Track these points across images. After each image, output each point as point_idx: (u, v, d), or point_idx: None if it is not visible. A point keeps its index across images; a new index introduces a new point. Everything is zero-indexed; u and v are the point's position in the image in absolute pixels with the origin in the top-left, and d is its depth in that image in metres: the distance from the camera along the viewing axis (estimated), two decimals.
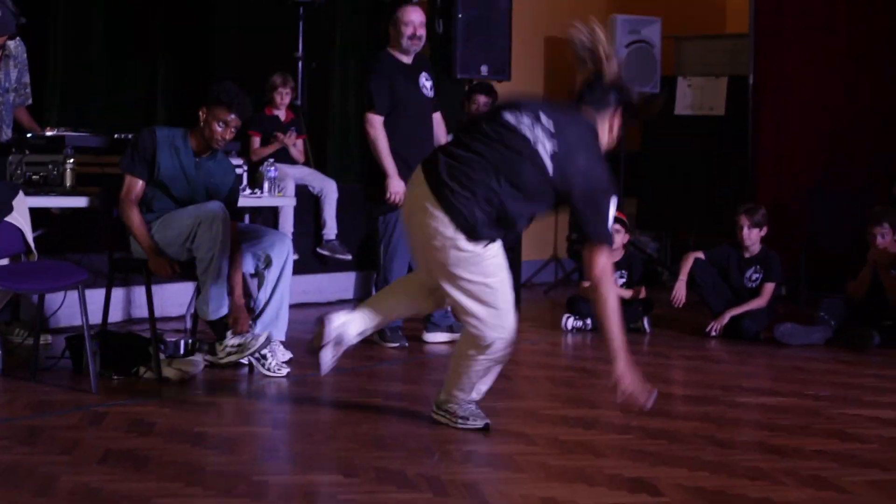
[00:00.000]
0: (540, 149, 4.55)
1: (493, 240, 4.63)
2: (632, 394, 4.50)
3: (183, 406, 5.52)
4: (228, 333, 6.15)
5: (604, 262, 4.55)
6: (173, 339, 6.33)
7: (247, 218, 7.52)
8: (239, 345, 6.12)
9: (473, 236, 4.55)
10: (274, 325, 6.42)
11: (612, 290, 4.59)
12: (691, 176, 11.38)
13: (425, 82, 7.43)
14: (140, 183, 6.18)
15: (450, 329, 7.45)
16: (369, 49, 10.73)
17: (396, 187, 7.18)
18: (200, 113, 6.21)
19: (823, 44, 10.96)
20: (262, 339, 6.08)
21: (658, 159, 11.53)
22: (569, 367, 7.17)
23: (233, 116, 6.17)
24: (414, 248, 4.91)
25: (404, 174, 7.18)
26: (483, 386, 4.99)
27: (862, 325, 7.74)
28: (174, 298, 7.95)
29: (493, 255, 4.65)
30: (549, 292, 10.51)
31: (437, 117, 7.63)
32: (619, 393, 4.52)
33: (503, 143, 4.58)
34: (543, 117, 4.62)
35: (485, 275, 4.63)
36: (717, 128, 11.34)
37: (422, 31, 7.39)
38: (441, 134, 7.67)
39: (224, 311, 6.14)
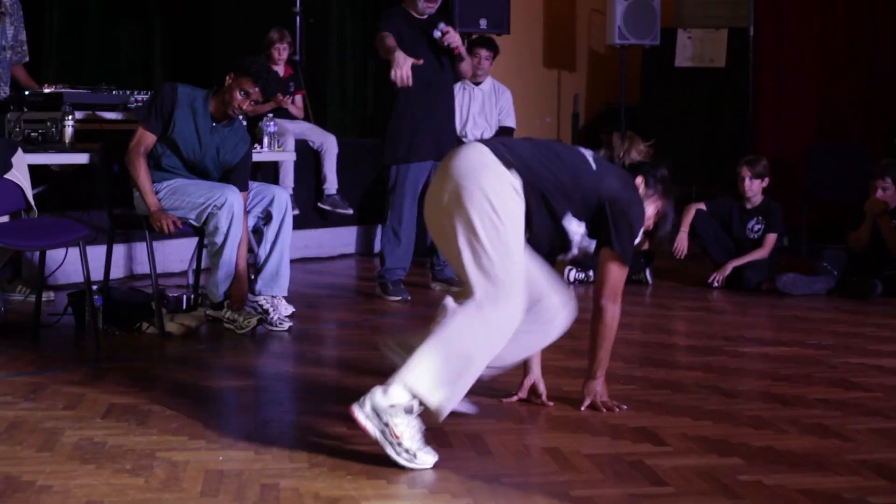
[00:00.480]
0: (587, 154, 4.35)
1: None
2: (599, 404, 4.51)
3: (186, 361, 5.52)
4: (226, 303, 6.15)
5: (617, 278, 4.36)
6: (175, 295, 6.33)
7: None
8: (233, 321, 6.12)
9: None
10: (275, 280, 6.41)
11: (617, 309, 4.43)
12: (692, 128, 11.35)
13: (443, 28, 7.37)
14: (152, 137, 6.16)
15: (447, 281, 7.55)
16: (366, 4, 10.70)
17: (402, 60, 6.97)
18: (227, 77, 6.19)
19: (815, 3, 10.94)
20: (253, 322, 6.09)
21: (658, 111, 11.47)
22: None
23: (256, 90, 6.17)
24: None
25: (410, 124, 7.32)
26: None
27: (864, 275, 7.74)
28: (176, 254, 7.95)
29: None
30: None
31: (465, 63, 7.58)
32: (585, 403, 4.53)
33: (549, 146, 4.34)
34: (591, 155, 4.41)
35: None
36: (718, 80, 11.29)
37: None
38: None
39: (226, 287, 6.18)
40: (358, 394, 3.79)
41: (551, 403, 4.55)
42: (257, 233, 6.52)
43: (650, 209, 4.47)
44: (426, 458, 3.74)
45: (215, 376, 5.25)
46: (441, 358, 3.82)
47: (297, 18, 10.02)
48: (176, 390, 4.85)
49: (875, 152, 9.89)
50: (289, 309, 6.49)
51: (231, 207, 6.03)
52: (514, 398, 4.65)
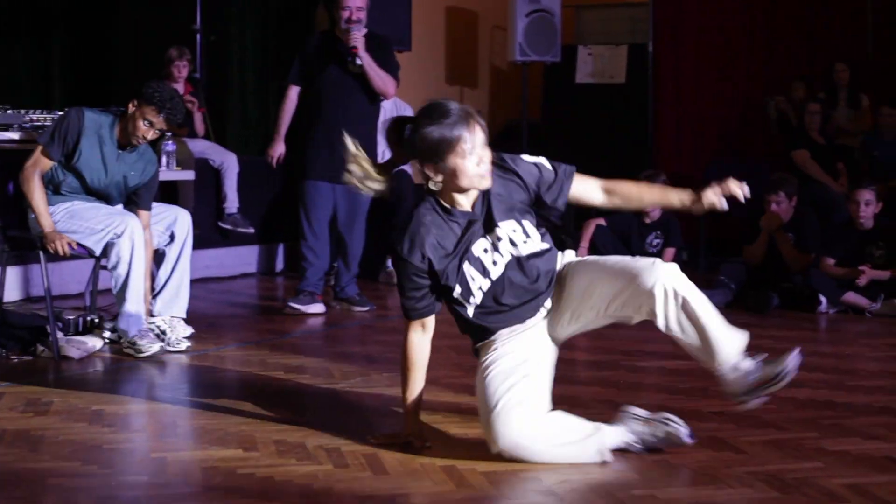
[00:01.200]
0: None
1: None
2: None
3: (81, 384, 5.45)
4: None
5: None
6: (72, 317, 6.24)
7: None
8: (132, 344, 6.04)
9: None
10: (174, 301, 6.37)
11: None
12: (593, 144, 11.43)
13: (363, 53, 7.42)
14: (49, 162, 6.05)
15: (348, 300, 7.56)
16: (267, 21, 10.66)
17: (273, 149, 7.74)
18: (130, 105, 6.07)
19: (720, 13, 11.09)
20: (154, 349, 6.03)
21: (559, 128, 11.56)
22: None
23: (161, 118, 6.05)
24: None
25: (324, 144, 7.39)
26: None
27: (761, 287, 7.85)
28: (73, 275, 7.84)
29: None
30: None
31: (382, 73, 7.60)
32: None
33: None
34: None
35: None
36: (618, 96, 11.41)
37: (359, 15, 7.43)
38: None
39: (143, 324, 6.08)
40: (255, 415, 3.76)
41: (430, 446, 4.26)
42: (158, 253, 6.44)
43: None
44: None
45: (112, 400, 5.17)
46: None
47: (198, 36, 9.95)
48: (70, 415, 4.78)
49: (773, 166, 10.06)
50: (188, 330, 6.43)
51: (132, 235, 5.95)
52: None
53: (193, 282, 6.62)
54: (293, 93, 7.58)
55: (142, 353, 6.01)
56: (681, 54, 11.21)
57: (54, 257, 6.20)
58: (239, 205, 9.20)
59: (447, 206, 4.08)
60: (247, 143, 10.51)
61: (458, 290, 4.12)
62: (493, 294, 4.13)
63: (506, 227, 4.12)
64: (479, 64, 12.39)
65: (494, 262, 4.10)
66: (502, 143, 11.29)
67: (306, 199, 7.53)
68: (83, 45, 10.62)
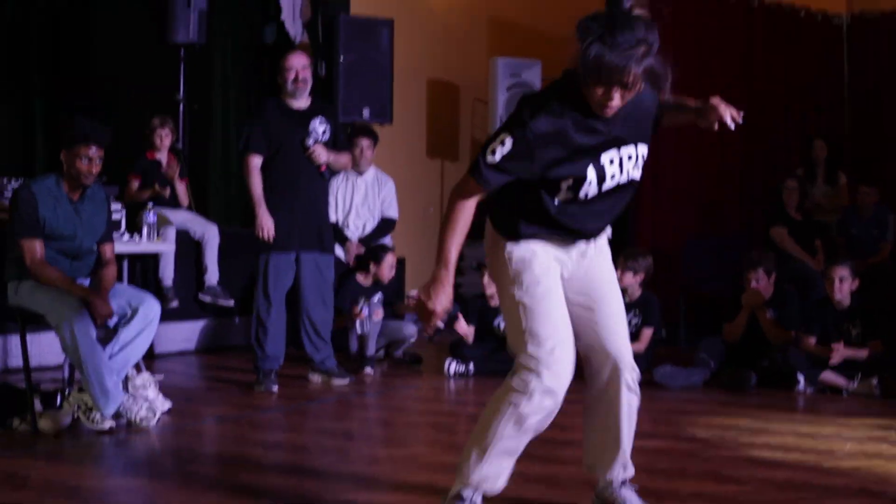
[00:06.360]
0: None
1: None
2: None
3: (58, 459, 5.42)
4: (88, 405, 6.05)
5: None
6: (50, 390, 6.22)
7: (125, 264, 7.43)
8: (89, 416, 6.00)
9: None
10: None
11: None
12: None
13: (318, 126, 7.44)
14: (38, 242, 6.07)
15: (327, 373, 7.53)
16: (250, 91, 10.73)
17: (264, 223, 7.31)
18: (62, 157, 6.14)
19: (699, 90, 11.18)
20: (107, 426, 5.97)
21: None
22: (451, 412, 7.19)
23: (94, 148, 6.09)
24: None
25: (284, 215, 7.31)
26: (491, 467, 4.22)
27: (740, 365, 7.87)
28: (51, 347, 7.80)
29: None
30: (433, 337, 10.51)
31: (342, 158, 7.64)
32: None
33: None
34: None
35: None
36: None
37: (304, 74, 7.43)
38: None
39: (119, 401, 6.02)
40: (232, 492, 3.74)
41: None
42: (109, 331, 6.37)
43: None
44: None
45: (89, 475, 5.15)
46: None
47: (181, 105, 10.01)
48: (48, 490, 4.76)
49: (751, 243, 10.13)
50: (166, 404, 6.40)
51: (70, 327, 5.91)
52: None
53: (173, 355, 6.60)
54: (258, 161, 7.36)
55: (95, 425, 5.96)
56: (658, 130, 11.27)
57: (33, 328, 6.17)
58: (219, 277, 9.19)
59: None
60: (228, 214, 10.53)
61: (568, 181, 4.00)
62: (588, 200, 4.05)
63: (631, 150, 4.07)
64: (461, 136, 12.46)
65: (613, 176, 4.02)
66: (484, 214, 11.38)
67: (269, 273, 7.38)
68: (66, 110, 10.65)
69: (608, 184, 4.00)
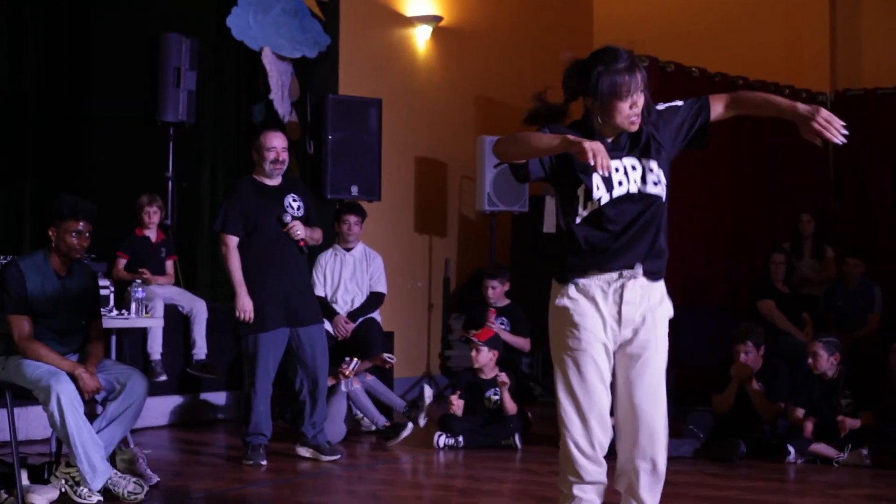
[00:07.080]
0: None
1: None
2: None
3: None
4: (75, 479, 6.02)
5: None
6: (38, 464, 6.19)
7: (113, 339, 7.42)
8: (76, 491, 5.98)
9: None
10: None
11: None
12: None
13: (292, 202, 7.48)
14: (26, 319, 6.09)
15: (317, 448, 7.48)
16: (239, 170, 10.78)
17: (244, 305, 7.30)
18: (50, 233, 6.17)
19: (683, 168, 11.29)
20: (94, 500, 5.94)
21: (529, 273, 11.61)
22: (440, 486, 7.16)
23: (82, 224, 6.14)
24: None
25: (263, 294, 7.31)
26: None
27: (729, 436, 7.86)
28: (39, 420, 7.77)
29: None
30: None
31: (315, 234, 7.65)
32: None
33: None
34: None
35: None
36: None
37: (284, 156, 7.50)
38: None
39: (106, 476, 6.00)
40: None
41: None
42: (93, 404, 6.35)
43: None
44: None
45: None
46: None
47: (170, 183, 10.05)
48: None
49: (737, 316, 10.15)
50: (154, 478, 6.37)
51: (56, 402, 5.89)
52: None
53: (160, 428, 6.58)
54: (235, 243, 7.37)
55: (83, 500, 5.93)
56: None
57: (23, 402, 6.16)
58: (207, 351, 9.18)
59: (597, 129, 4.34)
60: (216, 289, 10.53)
61: (581, 186, 4.32)
62: (604, 213, 4.31)
63: (634, 162, 4.36)
64: (448, 213, 12.51)
65: (620, 183, 4.31)
66: (471, 292, 11.40)
67: (259, 353, 7.35)
68: (55, 190, 10.69)
69: (617, 190, 4.27)
